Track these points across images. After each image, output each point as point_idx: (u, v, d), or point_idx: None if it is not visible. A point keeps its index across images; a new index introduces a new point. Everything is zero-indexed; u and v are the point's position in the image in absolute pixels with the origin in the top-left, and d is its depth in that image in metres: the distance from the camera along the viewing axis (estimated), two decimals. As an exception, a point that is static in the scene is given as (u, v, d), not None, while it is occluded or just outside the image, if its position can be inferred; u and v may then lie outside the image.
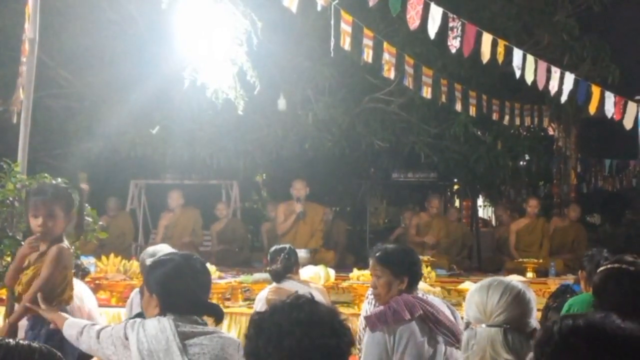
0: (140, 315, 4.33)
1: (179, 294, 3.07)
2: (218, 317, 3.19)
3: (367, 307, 5.45)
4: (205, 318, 3.17)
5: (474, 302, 2.69)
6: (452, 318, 3.82)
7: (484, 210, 19.70)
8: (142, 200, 13.00)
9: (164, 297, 3.08)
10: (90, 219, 4.41)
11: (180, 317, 3.02)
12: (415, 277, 3.94)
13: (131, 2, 9.66)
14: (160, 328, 2.95)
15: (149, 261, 4.58)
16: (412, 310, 3.68)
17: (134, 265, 7.82)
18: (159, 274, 3.13)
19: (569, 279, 7.61)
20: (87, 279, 6.87)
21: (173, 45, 7.32)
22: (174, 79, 8.29)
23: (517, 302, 2.63)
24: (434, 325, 3.70)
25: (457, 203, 17.16)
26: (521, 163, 14.93)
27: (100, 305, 6.68)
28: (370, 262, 4.03)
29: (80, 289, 6.01)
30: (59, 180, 4.35)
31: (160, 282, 3.11)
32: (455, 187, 15.80)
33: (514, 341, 2.56)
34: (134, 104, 10.01)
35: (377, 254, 3.96)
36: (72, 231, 4.55)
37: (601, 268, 3.47)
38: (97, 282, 7.61)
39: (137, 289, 5.77)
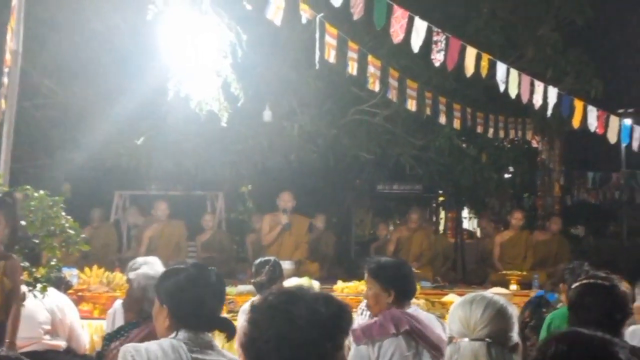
0: (122, 328, 4.31)
1: (191, 306, 2.92)
2: (230, 333, 3.01)
3: (358, 318, 5.48)
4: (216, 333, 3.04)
5: (457, 317, 2.70)
6: (442, 335, 3.82)
7: (469, 222, 19.77)
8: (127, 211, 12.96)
9: (176, 308, 2.93)
10: (72, 232, 4.38)
11: (194, 336, 2.87)
12: (402, 291, 3.95)
13: (117, 12, 9.65)
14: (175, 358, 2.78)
15: (132, 275, 4.57)
16: (398, 325, 3.70)
17: (117, 276, 7.79)
18: (172, 283, 2.98)
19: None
20: (69, 291, 6.84)
21: (158, 57, 7.30)
22: (159, 90, 8.28)
23: (500, 316, 2.65)
24: (420, 340, 3.72)
25: (442, 215, 17.24)
26: (506, 175, 14.99)
27: (82, 317, 6.66)
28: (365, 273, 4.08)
29: (62, 302, 6.00)
30: (41, 192, 4.33)
31: (173, 292, 2.96)
32: (441, 199, 15.84)
33: (497, 355, 2.57)
34: (118, 115, 9.98)
35: (369, 266, 4.01)
36: (5, 241, 4.48)
37: (576, 284, 3.49)
38: (79, 293, 7.57)
39: (119, 301, 5.74)
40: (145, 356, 2.76)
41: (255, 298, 5.75)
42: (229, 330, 3.04)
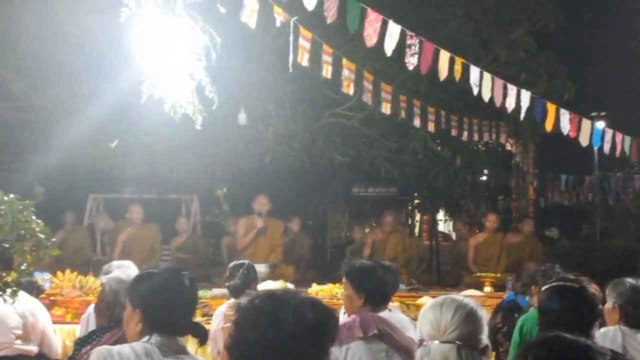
0: (94, 333, 4.28)
1: (164, 310, 2.93)
2: (202, 338, 3.05)
3: (341, 318, 5.51)
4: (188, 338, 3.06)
5: (427, 319, 2.71)
6: (415, 338, 3.84)
7: (445, 225, 19.85)
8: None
9: (149, 313, 2.94)
10: (42, 236, 4.33)
11: (167, 340, 2.88)
12: (371, 295, 3.98)
13: (90, 15, 9.57)
14: None
15: (104, 278, 4.54)
16: (366, 329, 3.72)
17: (90, 280, 7.73)
18: (145, 288, 3.00)
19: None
20: (42, 295, 6.77)
21: (132, 59, 7.26)
22: (133, 93, 8.24)
23: (470, 319, 2.67)
24: (390, 344, 3.74)
25: (417, 217, 17.30)
26: (482, 178, 15.08)
27: (55, 322, 6.61)
28: None
29: (33, 306, 5.94)
30: (11, 195, 4.28)
31: (146, 296, 2.97)
32: (416, 201, 15.90)
33: (467, 357, 2.59)
34: (92, 118, 9.89)
35: (344, 268, 4.08)
36: None
37: (545, 286, 3.52)
38: (52, 298, 7.50)
39: (93, 305, 5.70)
40: (117, 359, 2.76)
41: (242, 300, 5.75)
42: (201, 335, 3.05)
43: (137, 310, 2.97)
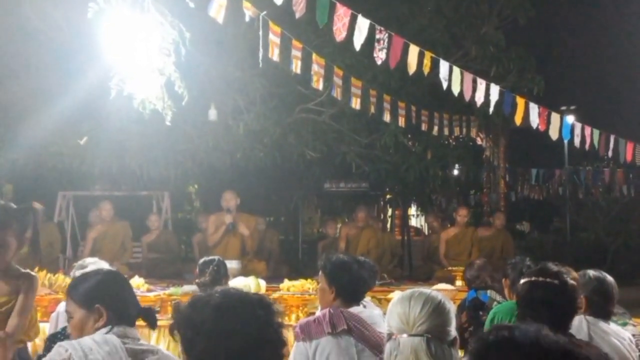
0: (65, 329, 4.23)
1: (121, 302, 3.03)
2: (152, 322, 3.12)
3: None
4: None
5: (396, 313, 2.72)
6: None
7: (417, 220, 19.94)
8: (71, 212, 12.77)
9: (110, 304, 2.99)
10: (9, 233, 4.29)
11: (125, 330, 2.95)
12: (342, 290, 3.97)
13: (57, 10, 9.47)
14: (110, 350, 2.83)
15: (78, 273, 4.49)
16: (335, 325, 3.72)
17: (60, 278, 7.63)
18: (99, 284, 3.06)
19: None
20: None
21: (100, 55, 7.19)
22: (101, 89, 8.17)
23: (438, 312, 2.68)
24: (360, 340, 3.74)
25: (389, 212, 17.36)
26: (453, 172, 15.15)
27: (23, 321, 6.51)
28: None
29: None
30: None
31: (102, 290, 3.03)
32: (388, 196, 15.95)
33: (436, 350, 2.60)
34: (60, 115, 9.80)
35: (321, 261, 4.10)
36: (30, 255, 4.47)
37: (525, 280, 3.46)
38: (21, 296, 7.39)
39: (63, 303, 5.64)
40: (79, 348, 2.79)
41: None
42: (151, 318, 3.14)
43: (97, 306, 2.99)
